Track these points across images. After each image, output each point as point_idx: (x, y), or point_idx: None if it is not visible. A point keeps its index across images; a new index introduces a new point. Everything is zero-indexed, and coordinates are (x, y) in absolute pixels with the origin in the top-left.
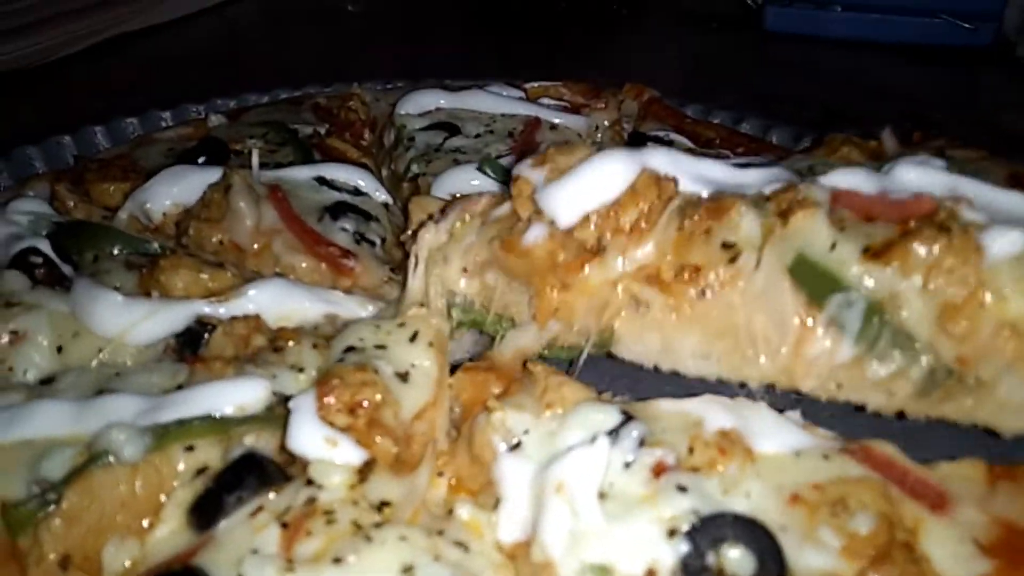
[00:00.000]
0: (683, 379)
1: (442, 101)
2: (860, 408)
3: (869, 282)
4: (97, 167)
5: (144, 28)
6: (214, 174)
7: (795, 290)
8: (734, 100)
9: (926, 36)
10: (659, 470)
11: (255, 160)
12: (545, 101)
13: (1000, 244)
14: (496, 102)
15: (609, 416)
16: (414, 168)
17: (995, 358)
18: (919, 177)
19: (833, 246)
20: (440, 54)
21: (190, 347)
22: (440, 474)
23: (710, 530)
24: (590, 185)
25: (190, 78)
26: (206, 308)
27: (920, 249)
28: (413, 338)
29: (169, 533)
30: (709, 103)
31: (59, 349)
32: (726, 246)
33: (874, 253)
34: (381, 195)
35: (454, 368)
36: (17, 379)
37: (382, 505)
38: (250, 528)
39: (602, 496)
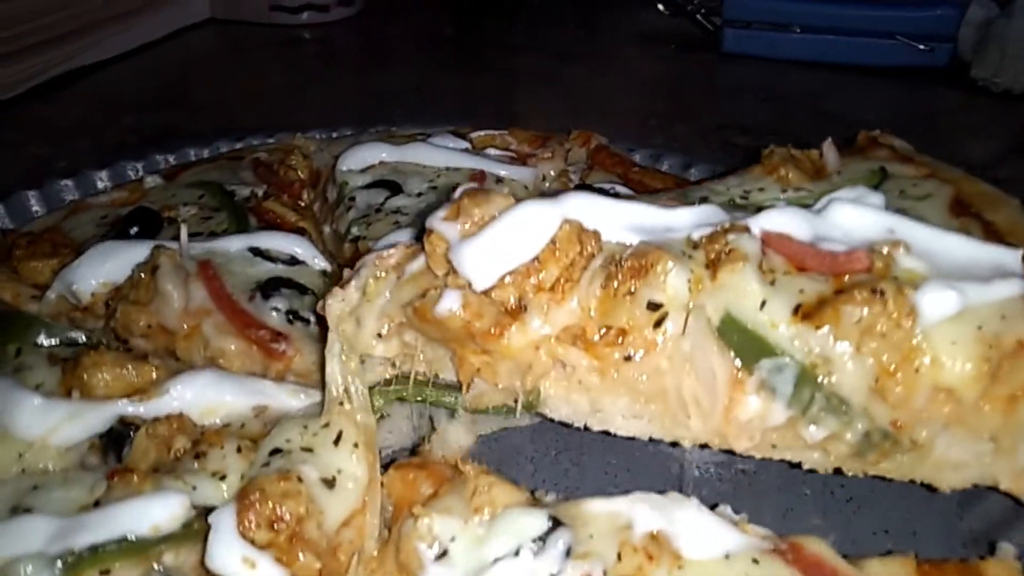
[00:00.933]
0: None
1: (384, 155)
2: (796, 465)
3: (799, 346)
4: (26, 243)
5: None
6: (144, 249)
7: (723, 352)
8: (691, 127)
9: (883, 58)
10: None
11: (184, 236)
12: (491, 152)
13: (935, 306)
14: (440, 155)
15: (537, 521)
16: (354, 231)
17: (931, 421)
18: (854, 218)
19: (763, 304)
20: (396, 87)
21: (113, 448)
22: None
23: None
24: (507, 242)
25: (138, 118)
26: (128, 408)
27: (852, 312)
28: (337, 440)
29: None
30: (659, 146)
31: None
32: (652, 306)
33: (805, 314)
34: (319, 263)
35: (391, 461)
36: None
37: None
38: None
39: None
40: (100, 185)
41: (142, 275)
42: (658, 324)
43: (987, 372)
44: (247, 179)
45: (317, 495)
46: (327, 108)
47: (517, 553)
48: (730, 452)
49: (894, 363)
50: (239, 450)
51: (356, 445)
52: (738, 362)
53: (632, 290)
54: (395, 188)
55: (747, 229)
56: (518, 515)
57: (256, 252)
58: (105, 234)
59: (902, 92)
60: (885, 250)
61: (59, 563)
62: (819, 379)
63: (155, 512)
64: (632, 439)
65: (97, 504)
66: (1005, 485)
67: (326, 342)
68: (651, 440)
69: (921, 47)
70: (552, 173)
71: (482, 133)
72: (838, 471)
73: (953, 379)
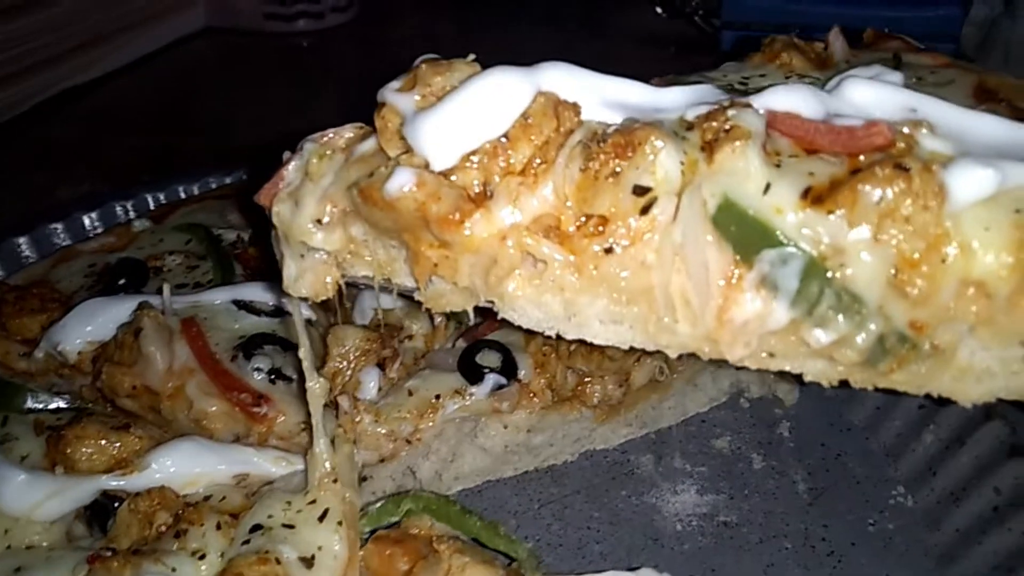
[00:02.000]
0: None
1: None
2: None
3: (808, 234)
4: (14, 298)
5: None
6: (129, 305)
7: (720, 244)
8: None
9: None
10: None
11: (166, 293)
12: None
13: (968, 185)
14: None
15: None
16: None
17: (955, 322)
18: (871, 96)
19: (767, 188)
20: None
21: (97, 521)
22: None
23: None
24: (472, 115)
25: (138, 138)
26: (111, 483)
27: (872, 192)
28: (323, 517)
29: None
30: None
31: None
32: (639, 191)
33: (816, 197)
34: (304, 311)
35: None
36: None
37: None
38: None
39: None
40: (89, 224)
41: (126, 338)
42: (645, 211)
43: (1022, 261)
44: (234, 221)
45: (295, 573)
46: (327, 119)
47: None
48: (713, 492)
49: (917, 252)
50: (219, 527)
51: (340, 523)
52: (736, 255)
53: (616, 171)
54: None
55: (749, 107)
56: None
57: (240, 305)
58: (93, 284)
59: None
60: (907, 130)
61: None
62: (829, 272)
63: None
64: (614, 492)
65: None
66: None
67: (310, 412)
68: (632, 495)
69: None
70: None
71: None
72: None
73: (984, 271)
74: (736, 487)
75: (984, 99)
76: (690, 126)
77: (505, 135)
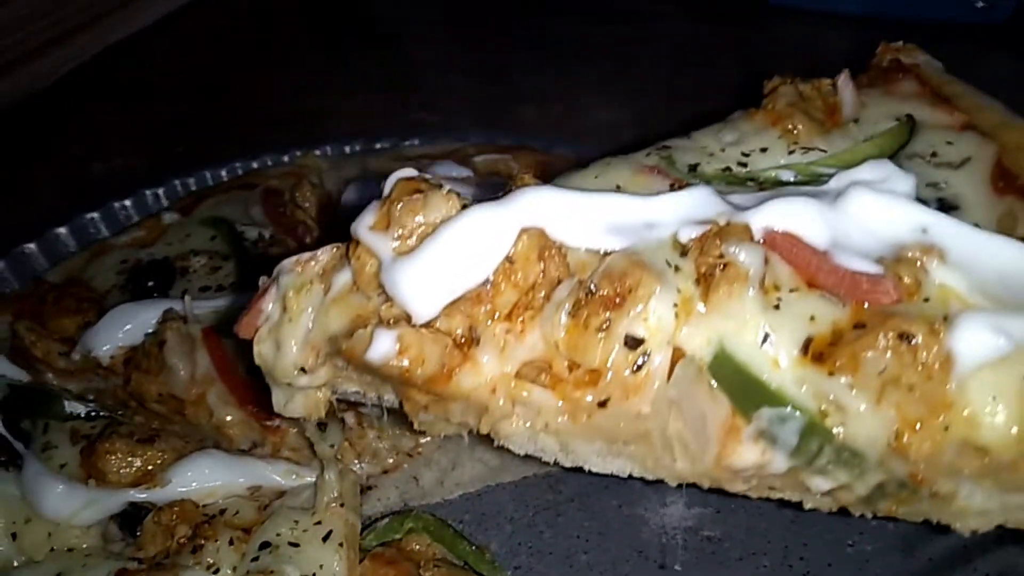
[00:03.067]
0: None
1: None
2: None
3: (808, 391)
4: (53, 299)
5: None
6: (155, 312)
7: (717, 395)
8: (724, 99)
9: (937, 12)
10: None
11: (188, 304)
12: (494, 181)
13: (973, 351)
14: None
15: None
16: None
17: (957, 475)
18: (878, 212)
19: (765, 338)
20: (422, 58)
21: (128, 527)
22: None
23: None
24: (452, 262)
25: (171, 107)
26: (138, 496)
27: (875, 360)
28: (326, 537)
29: None
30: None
31: (13, 536)
32: (631, 343)
33: (815, 354)
34: None
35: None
36: None
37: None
38: None
39: None
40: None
41: (152, 348)
42: (638, 367)
43: None
44: (256, 216)
45: None
46: (357, 90)
47: None
48: (700, 506)
49: (920, 418)
50: (231, 542)
51: (341, 544)
52: (733, 407)
53: (606, 323)
54: None
55: (747, 230)
56: None
57: None
58: (124, 284)
59: (953, 49)
60: (916, 259)
61: None
62: (830, 430)
63: None
64: (606, 502)
65: None
66: None
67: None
68: (622, 504)
69: (979, 4)
70: None
71: (485, 158)
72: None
73: (990, 439)
74: (723, 502)
75: (1004, 188)
76: (684, 251)
77: (488, 281)
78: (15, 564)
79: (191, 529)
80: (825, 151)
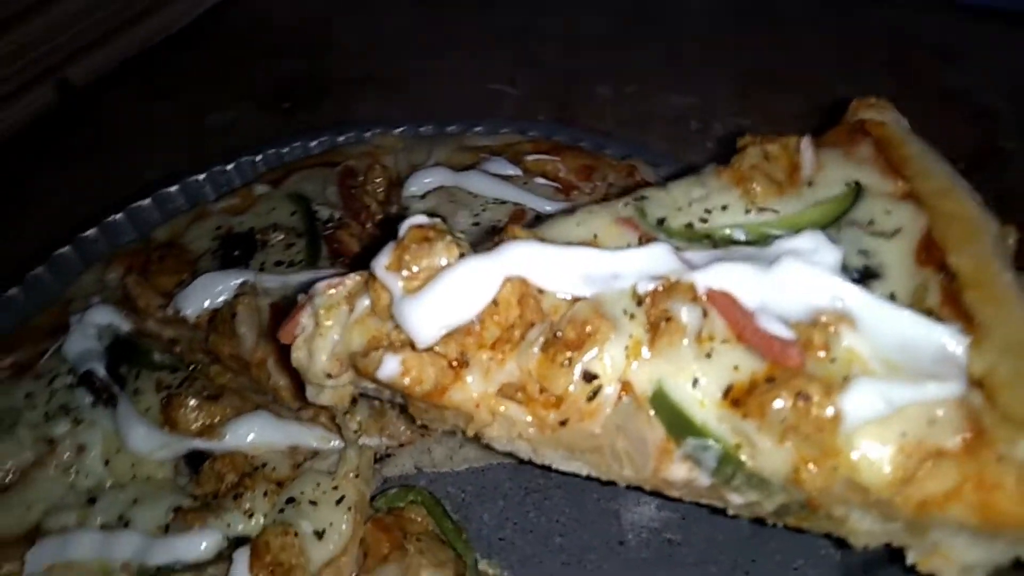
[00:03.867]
0: None
1: (444, 180)
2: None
3: (725, 428)
4: (158, 258)
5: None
6: (236, 281)
7: (654, 422)
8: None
9: None
10: None
11: (260, 279)
12: (539, 181)
13: (860, 411)
14: (491, 185)
15: None
16: None
17: (846, 504)
18: (804, 281)
19: (695, 382)
20: (516, 24)
21: (192, 468)
22: None
23: None
24: (450, 301)
25: (272, 65)
26: (200, 444)
27: (778, 411)
28: (340, 501)
29: None
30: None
31: (107, 462)
32: (588, 377)
33: (733, 400)
34: None
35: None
36: (79, 488)
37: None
38: None
39: None
40: (223, 180)
41: (225, 315)
42: (592, 397)
43: (901, 477)
44: (331, 196)
45: (308, 545)
46: (445, 52)
47: None
48: (669, 511)
49: (812, 458)
50: (266, 494)
51: (351, 509)
52: (667, 434)
53: (568, 360)
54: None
55: (692, 289)
56: None
57: None
58: (216, 249)
59: None
60: (830, 324)
61: (138, 568)
62: (741, 459)
63: (200, 545)
64: (588, 494)
65: (167, 529)
66: (911, 559)
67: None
68: (601, 499)
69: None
70: None
71: (535, 158)
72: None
73: (868, 479)
74: (690, 510)
75: (925, 260)
76: (640, 300)
77: (478, 318)
78: (107, 485)
79: (237, 477)
80: (777, 212)
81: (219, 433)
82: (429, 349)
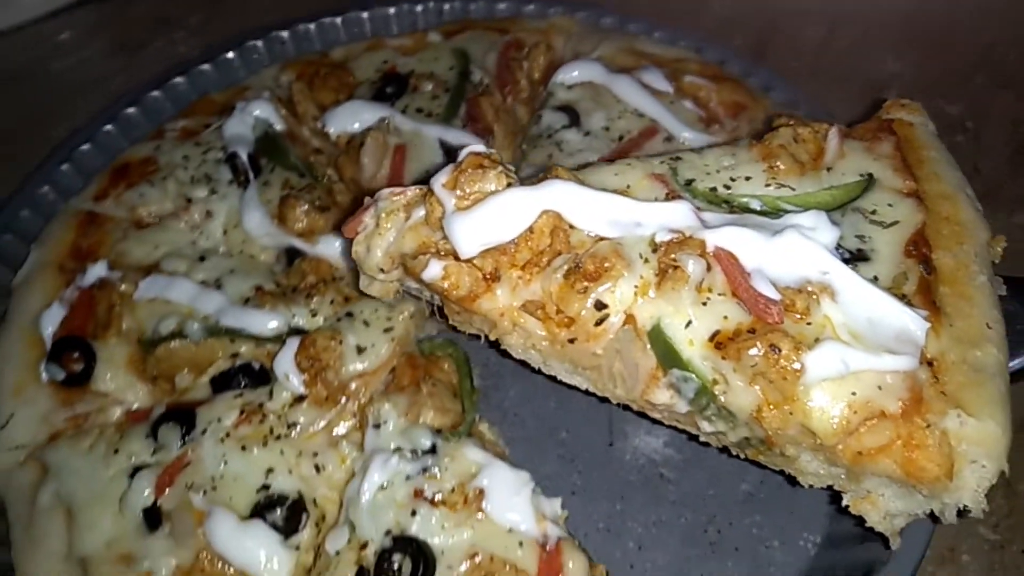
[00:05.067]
0: None
1: (595, 77)
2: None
3: (706, 366)
4: (324, 73)
5: None
6: (379, 113)
7: (647, 352)
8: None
9: None
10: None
11: (396, 121)
12: (687, 105)
13: (821, 369)
14: (636, 95)
15: (425, 440)
16: (523, 147)
17: (797, 445)
18: (800, 253)
19: (688, 324)
20: None
21: (289, 260)
22: None
23: None
24: (492, 223)
25: None
26: (297, 244)
27: (751, 357)
28: (388, 330)
29: (201, 386)
30: None
31: (224, 232)
32: (598, 305)
33: (717, 343)
34: None
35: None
36: (198, 245)
37: (291, 425)
38: (225, 406)
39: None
40: (409, 20)
41: (355, 143)
42: (600, 323)
43: (845, 428)
44: (488, 62)
45: (347, 354)
46: None
47: (396, 451)
48: (673, 449)
49: (774, 402)
50: (332, 302)
51: (393, 339)
52: (657, 363)
53: (585, 288)
54: (575, 119)
55: (702, 245)
56: (419, 430)
57: (443, 144)
58: (374, 81)
59: None
60: (813, 292)
61: (207, 329)
62: (716, 393)
63: (265, 323)
64: (605, 411)
65: (247, 302)
66: (846, 501)
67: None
68: (616, 420)
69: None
70: None
71: (693, 80)
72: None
73: (817, 426)
74: (694, 457)
75: (909, 253)
76: (656, 248)
77: (514, 241)
78: (220, 251)
79: (316, 280)
80: (794, 189)
81: (315, 239)
82: (468, 261)
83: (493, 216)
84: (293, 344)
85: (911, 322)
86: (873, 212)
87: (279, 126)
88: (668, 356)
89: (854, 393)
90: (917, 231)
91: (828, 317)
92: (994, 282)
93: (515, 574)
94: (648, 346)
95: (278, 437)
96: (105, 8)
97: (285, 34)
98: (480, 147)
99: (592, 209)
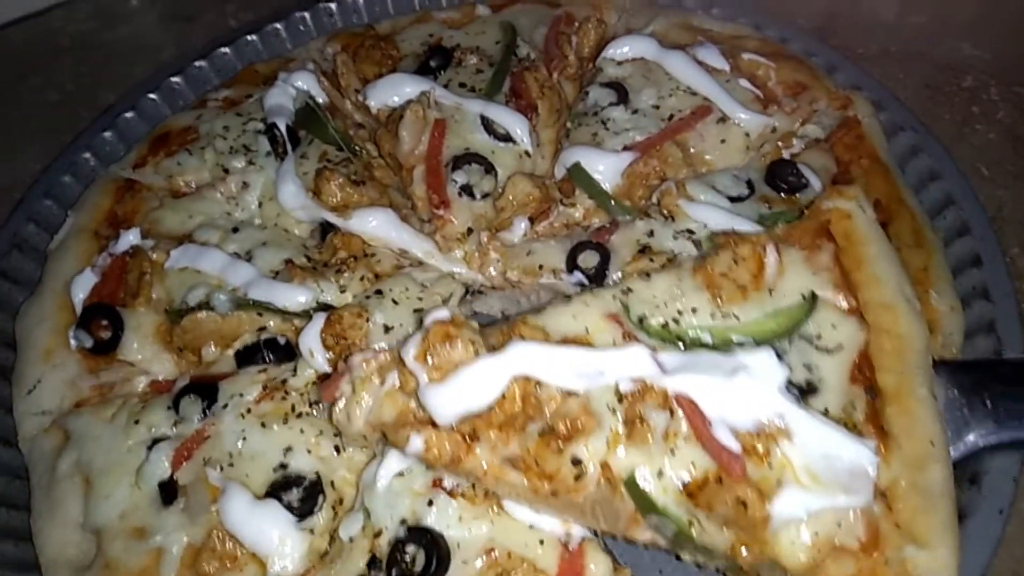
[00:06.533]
0: None
1: (647, 52)
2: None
3: (681, 512)
4: (369, 45)
5: None
6: (420, 87)
7: (625, 499)
8: None
9: None
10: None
11: (436, 94)
12: (742, 83)
13: (784, 515)
14: (689, 72)
15: None
16: (568, 125)
17: (772, 572)
18: (755, 397)
19: (660, 474)
20: None
21: (323, 235)
22: None
23: None
24: (465, 394)
25: None
26: (331, 218)
27: (720, 504)
28: (417, 310)
29: (226, 358)
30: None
31: (260, 204)
32: (575, 462)
33: (689, 493)
34: (524, 144)
35: None
36: (232, 216)
37: (313, 403)
38: (248, 381)
39: None
40: None
41: (395, 116)
42: (578, 477)
43: (812, 564)
44: (536, 37)
45: (373, 332)
46: None
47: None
48: None
49: (746, 543)
50: (362, 279)
51: (422, 320)
52: (635, 509)
53: (560, 448)
54: (623, 96)
55: (663, 395)
56: None
57: (484, 120)
58: (419, 54)
59: None
60: (771, 435)
61: (234, 302)
62: (692, 534)
63: (296, 297)
64: None
65: (276, 275)
66: None
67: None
68: None
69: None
70: (779, 128)
71: (751, 57)
72: None
73: (787, 563)
74: None
75: (855, 379)
76: (621, 398)
77: (489, 407)
78: (255, 222)
79: (348, 255)
80: (739, 319)
81: (348, 214)
82: (448, 427)
83: (465, 387)
84: (319, 320)
85: (862, 457)
86: (819, 337)
87: (321, 98)
88: (644, 504)
89: (816, 533)
90: (860, 353)
91: (787, 458)
92: (935, 387)
93: (534, 573)
94: (625, 495)
95: (299, 415)
96: None
97: (333, 6)
98: (443, 313)
99: (558, 366)
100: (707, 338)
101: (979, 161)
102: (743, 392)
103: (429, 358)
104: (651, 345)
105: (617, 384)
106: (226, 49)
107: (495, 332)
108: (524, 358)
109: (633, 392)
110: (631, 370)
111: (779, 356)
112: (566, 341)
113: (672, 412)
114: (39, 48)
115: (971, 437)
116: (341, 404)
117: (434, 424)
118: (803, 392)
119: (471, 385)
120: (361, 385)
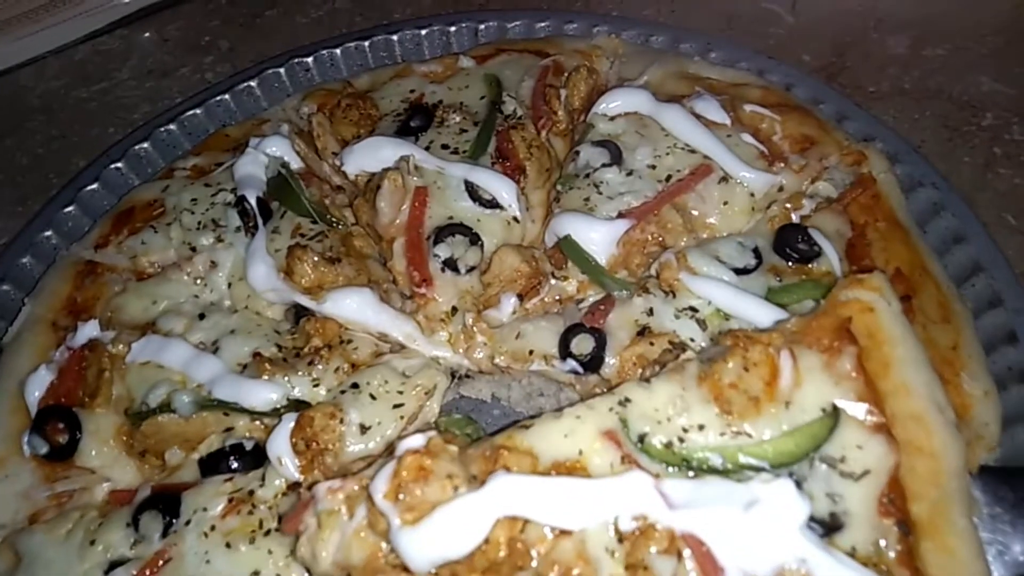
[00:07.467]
0: None
1: (642, 107)
2: None
3: None
4: (345, 105)
5: None
6: (400, 151)
7: None
8: None
9: None
10: None
11: (416, 159)
12: (745, 137)
13: None
14: (688, 127)
15: None
16: (559, 187)
17: None
18: (772, 539)
19: None
20: None
21: (297, 319)
22: None
23: None
24: (442, 539)
25: None
26: (303, 301)
27: None
28: (398, 406)
29: (191, 463)
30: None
31: (229, 285)
32: None
33: None
34: (512, 211)
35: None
36: (200, 300)
37: (282, 518)
38: (213, 492)
39: None
40: (441, 42)
41: (372, 186)
42: None
43: None
44: (523, 91)
45: (348, 435)
46: None
47: None
48: None
49: None
50: (337, 371)
51: (403, 417)
52: None
53: None
54: (616, 156)
55: (671, 536)
56: None
57: (468, 186)
58: (400, 113)
59: None
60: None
61: (198, 403)
62: None
63: (264, 395)
64: None
65: (244, 369)
66: None
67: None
68: None
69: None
70: (786, 187)
71: (754, 109)
72: None
73: None
74: None
75: (886, 511)
76: (622, 538)
77: (469, 555)
78: (226, 304)
79: (322, 344)
80: (751, 436)
81: (322, 296)
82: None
83: (443, 531)
84: (288, 422)
85: None
86: (843, 460)
87: (295, 163)
88: None
89: None
90: (891, 479)
91: None
92: (972, 512)
93: None
94: None
95: (267, 533)
96: (134, 35)
97: (310, 60)
98: (417, 440)
99: (548, 502)
100: (717, 461)
101: (1005, 209)
102: (760, 531)
103: (401, 496)
104: (654, 471)
105: (616, 521)
106: (197, 110)
107: (478, 458)
108: (510, 495)
109: (635, 531)
110: (632, 504)
111: (799, 485)
112: (557, 467)
113: (679, 556)
114: (8, 109)
115: (1017, 548)
116: (305, 540)
117: (407, 570)
118: (827, 529)
119: (449, 528)
120: (327, 519)
